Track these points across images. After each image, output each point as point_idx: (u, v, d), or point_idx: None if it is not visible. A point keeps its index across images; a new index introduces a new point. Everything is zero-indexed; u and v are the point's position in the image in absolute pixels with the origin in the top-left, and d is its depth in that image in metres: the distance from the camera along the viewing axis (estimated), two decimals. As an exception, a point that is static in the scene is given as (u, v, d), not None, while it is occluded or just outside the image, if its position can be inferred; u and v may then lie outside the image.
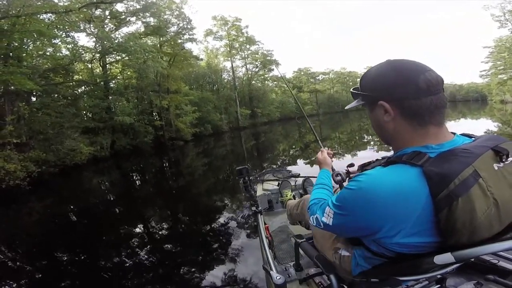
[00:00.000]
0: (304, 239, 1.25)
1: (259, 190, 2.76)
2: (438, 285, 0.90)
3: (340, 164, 1.27)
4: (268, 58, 36.38)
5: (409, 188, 0.61)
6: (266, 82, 39.83)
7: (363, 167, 0.84)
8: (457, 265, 0.72)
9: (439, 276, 0.80)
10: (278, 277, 1.05)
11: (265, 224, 1.92)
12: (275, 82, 41.97)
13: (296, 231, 1.81)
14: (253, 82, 36.89)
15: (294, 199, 2.14)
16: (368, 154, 8.67)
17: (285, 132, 21.94)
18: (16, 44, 8.47)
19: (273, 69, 38.14)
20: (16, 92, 8.28)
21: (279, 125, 31.41)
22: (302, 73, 51.29)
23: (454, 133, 0.72)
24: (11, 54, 8.30)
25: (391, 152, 0.78)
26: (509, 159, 0.64)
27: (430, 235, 0.63)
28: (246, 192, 2.01)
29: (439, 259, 0.63)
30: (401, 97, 0.67)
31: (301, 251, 1.28)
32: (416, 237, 0.64)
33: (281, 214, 2.34)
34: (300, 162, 9.54)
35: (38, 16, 8.39)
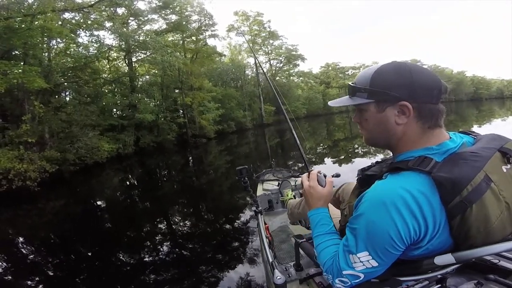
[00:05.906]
0: (304, 239, 1.23)
1: (259, 190, 2.78)
2: (439, 285, 0.88)
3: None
4: (293, 53, 35.25)
5: (425, 196, 0.58)
6: (291, 77, 38.67)
7: (363, 171, 0.81)
8: (457, 265, 0.70)
9: (439, 276, 0.79)
10: (278, 277, 1.04)
11: (265, 224, 1.91)
12: (300, 78, 40.64)
13: (296, 231, 1.82)
14: (278, 78, 35.98)
15: (295, 198, 2.11)
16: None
17: (312, 129, 20.89)
18: (37, 42, 8.53)
19: (298, 65, 36.94)
20: (29, 91, 8.31)
21: (305, 122, 30.32)
22: (330, 68, 49.32)
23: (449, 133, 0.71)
24: (27, 53, 8.35)
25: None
26: None
27: (446, 239, 0.61)
28: (246, 192, 2.01)
29: (440, 260, 0.62)
30: (424, 100, 0.65)
31: (301, 251, 1.28)
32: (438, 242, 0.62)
33: (281, 214, 2.35)
34: (327, 160, 9.13)
35: (51, 14, 8.28)
